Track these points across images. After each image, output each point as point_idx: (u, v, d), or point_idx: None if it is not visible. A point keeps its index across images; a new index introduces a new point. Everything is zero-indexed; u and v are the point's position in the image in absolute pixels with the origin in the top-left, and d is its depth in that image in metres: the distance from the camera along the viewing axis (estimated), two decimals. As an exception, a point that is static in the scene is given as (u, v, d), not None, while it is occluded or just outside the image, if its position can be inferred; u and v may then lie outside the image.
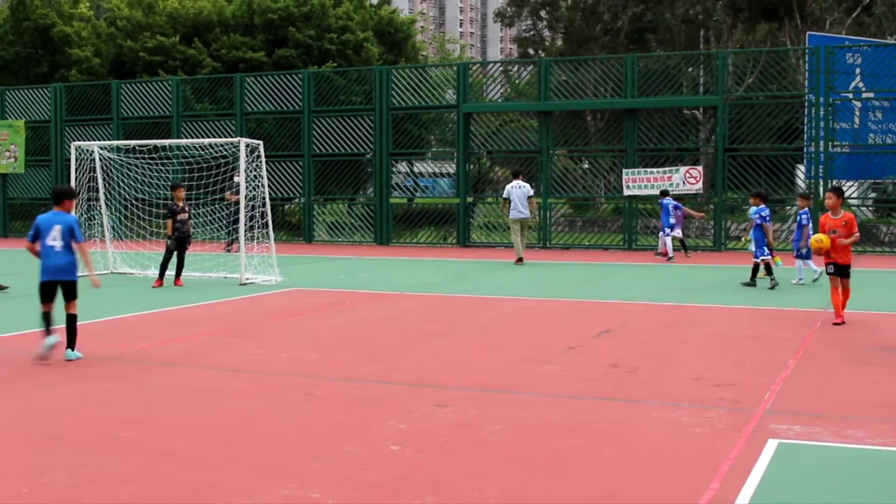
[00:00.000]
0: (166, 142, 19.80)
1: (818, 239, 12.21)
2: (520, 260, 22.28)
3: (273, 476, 5.91)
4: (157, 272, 17.55)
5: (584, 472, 6.03)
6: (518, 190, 22.44)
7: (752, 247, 17.64)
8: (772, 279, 16.73)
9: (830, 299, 12.32)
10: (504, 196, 22.93)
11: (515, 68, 35.98)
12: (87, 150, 20.03)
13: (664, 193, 24.08)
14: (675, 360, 9.91)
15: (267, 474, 5.96)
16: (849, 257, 12.31)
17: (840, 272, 12.19)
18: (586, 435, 6.89)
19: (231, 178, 22.73)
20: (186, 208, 17.75)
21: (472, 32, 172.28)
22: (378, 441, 6.71)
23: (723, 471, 5.98)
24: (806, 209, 17.54)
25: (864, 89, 26.75)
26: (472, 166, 31.60)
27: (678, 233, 23.82)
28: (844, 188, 28.02)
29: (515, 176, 22.91)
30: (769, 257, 17.05)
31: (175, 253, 17.40)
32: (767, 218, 17.27)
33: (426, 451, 6.48)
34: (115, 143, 21.18)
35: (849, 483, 5.80)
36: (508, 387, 8.56)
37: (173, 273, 17.48)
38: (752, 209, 17.88)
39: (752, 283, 17.08)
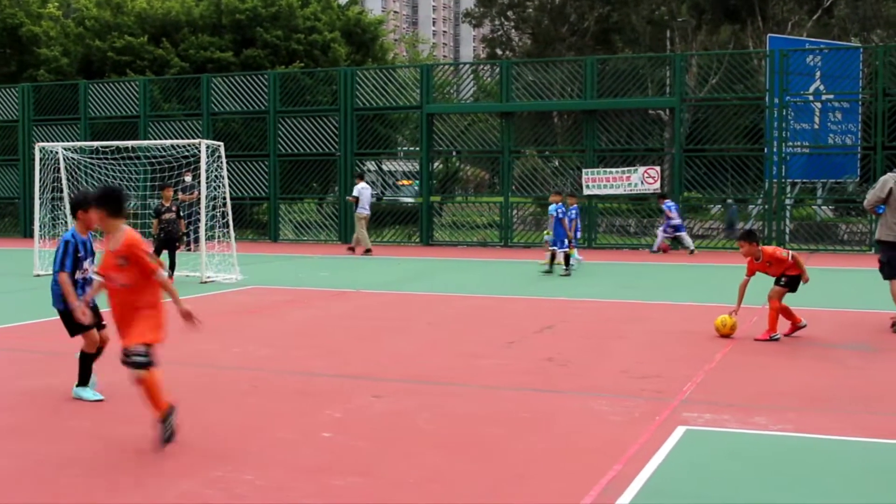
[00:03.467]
0: (128, 143, 20.16)
1: (722, 321, 11.39)
2: (368, 251, 25.09)
3: (211, 459, 6.35)
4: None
5: (501, 456, 6.49)
6: (366, 191, 25.56)
7: (551, 239, 19.55)
8: (566, 269, 19.07)
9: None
10: (355, 195, 25.55)
11: (486, 69, 36.51)
12: (52, 151, 20.36)
13: (663, 197, 25.45)
14: (608, 353, 10.42)
15: (206, 458, 6.40)
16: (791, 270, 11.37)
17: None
18: (509, 423, 7.36)
19: (182, 178, 23.26)
20: (174, 208, 18.03)
21: (444, 31, 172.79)
22: (313, 428, 7.17)
23: (629, 454, 6.46)
24: (560, 204, 19.28)
25: (824, 91, 27.39)
26: (439, 166, 32.12)
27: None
28: (802, 187, 28.75)
29: (361, 178, 26.16)
30: (566, 249, 19.12)
31: (166, 252, 17.71)
32: (565, 214, 19.13)
33: (357, 437, 6.93)
34: (79, 143, 21.49)
35: (742, 465, 6.28)
36: (446, 379, 9.03)
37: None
38: (553, 206, 19.42)
39: (567, 273, 19.15)
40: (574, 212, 19.85)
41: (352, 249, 25.70)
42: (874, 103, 25.68)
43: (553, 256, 19.37)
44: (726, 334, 11.32)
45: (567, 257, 19.19)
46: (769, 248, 11.61)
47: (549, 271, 19.30)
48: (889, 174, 12.51)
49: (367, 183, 26.76)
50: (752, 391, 8.48)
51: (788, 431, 7.08)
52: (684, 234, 25.31)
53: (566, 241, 19.13)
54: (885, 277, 12.35)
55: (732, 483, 5.90)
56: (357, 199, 25.49)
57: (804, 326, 11.44)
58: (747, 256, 11.53)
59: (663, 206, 25.24)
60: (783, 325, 11.41)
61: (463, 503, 5.56)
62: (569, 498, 5.58)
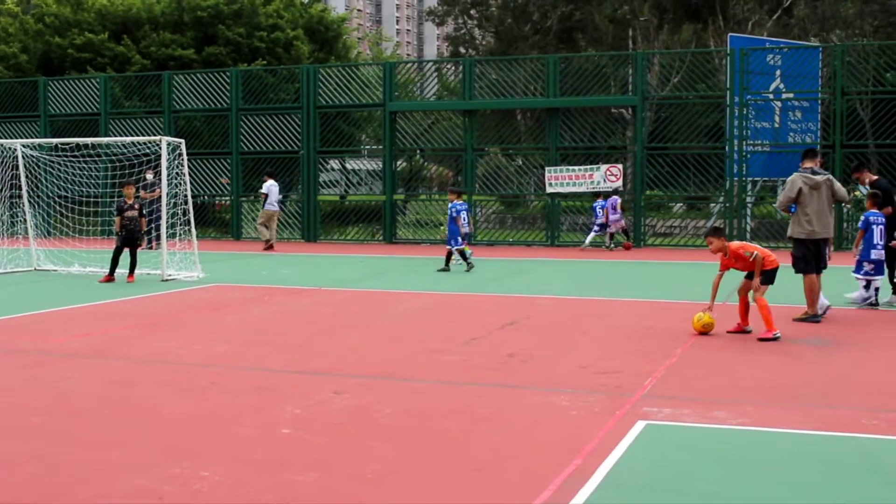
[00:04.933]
0: (88, 140, 19.88)
1: (699, 319, 11.34)
2: (270, 247, 25.92)
3: (168, 456, 6.29)
4: (81, 268, 17.79)
5: (459, 449, 6.49)
6: (274, 188, 26.42)
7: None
8: (468, 264, 19.32)
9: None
10: (264, 191, 26.35)
11: (449, 67, 36.53)
12: (10, 149, 20.14)
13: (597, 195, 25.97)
14: (570, 349, 10.43)
15: (163, 454, 6.34)
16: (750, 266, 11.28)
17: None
18: (468, 417, 7.36)
19: (143, 176, 23.14)
20: (136, 206, 17.83)
21: (408, 30, 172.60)
22: (272, 424, 7.13)
23: (589, 448, 6.47)
24: (456, 202, 19.49)
25: (784, 90, 27.60)
26: (403, 164, 32.08)
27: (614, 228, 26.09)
28: (762, 185, 28.96)
29: (271, 176, 26.77)
30: (462, 246, 19.31)
31: (128, 250, 17.51)
32: (460, 212, 19.30)
33: (316, 433, 6.90)
34: (38, 140, 21.24)
35: (701, 458, 6.32)
36: (407, 375, 9.02)
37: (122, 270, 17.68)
38: (451, 204, 19.65)
39: (446, 268, 19.48)
40: (454, 210, 19.45)
41: (270, 247, 26.12)
42: (833, 102, 25.91)
43: (450, 255, 19.56)
44: (702, 332, 11.32)
45: (462, 253, 19.35)
46: (735, 245, 11.51)
47: (447, 269, 19.45)
48: (796, 174, 12.72)
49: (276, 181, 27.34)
50: (711, 386, 8.54)
51: (747, 425, 7.12)
52: (594, 233, 25.99)
53: (459, 239, 19.28)
54: (798, 272, 12.65)
55: (691, 476, 5.92)
56: (266, 195, 26.27)
57: (748, 332, 11.32)
58: (716, 252, 11.48)
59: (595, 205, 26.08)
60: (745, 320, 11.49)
61: (421, 496, 5.55)
62: (528, 491, 5.58)
